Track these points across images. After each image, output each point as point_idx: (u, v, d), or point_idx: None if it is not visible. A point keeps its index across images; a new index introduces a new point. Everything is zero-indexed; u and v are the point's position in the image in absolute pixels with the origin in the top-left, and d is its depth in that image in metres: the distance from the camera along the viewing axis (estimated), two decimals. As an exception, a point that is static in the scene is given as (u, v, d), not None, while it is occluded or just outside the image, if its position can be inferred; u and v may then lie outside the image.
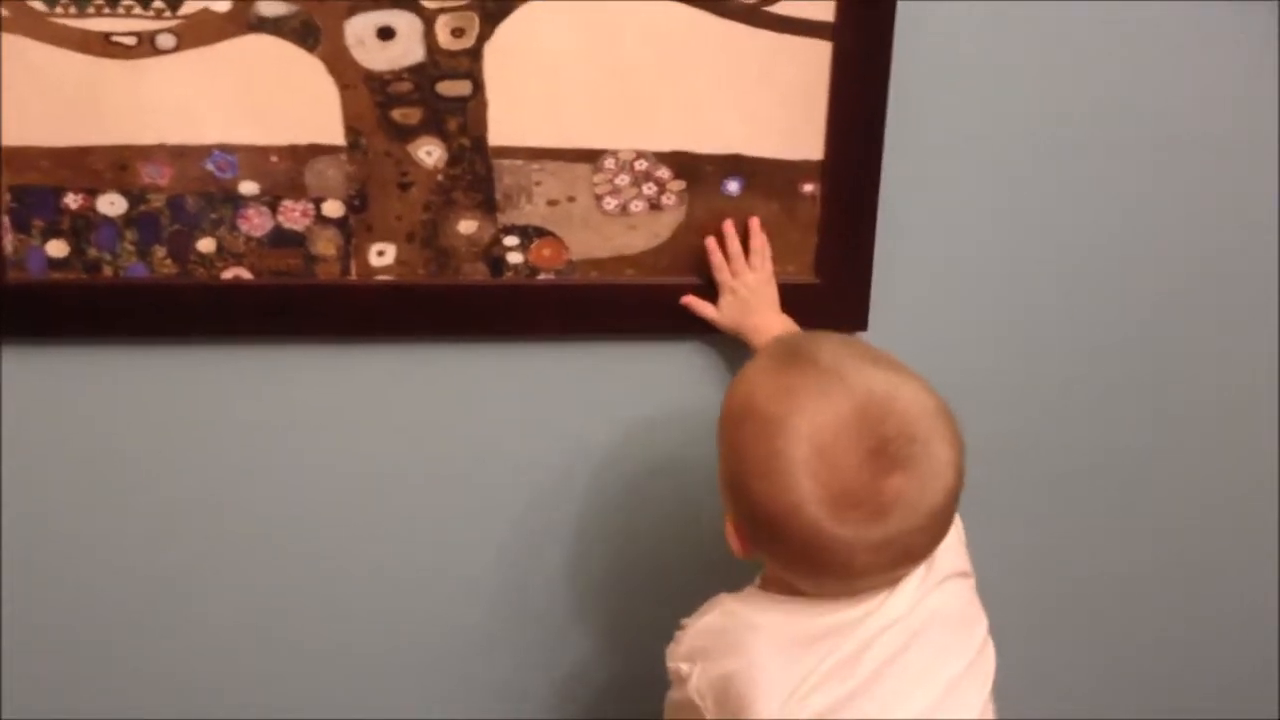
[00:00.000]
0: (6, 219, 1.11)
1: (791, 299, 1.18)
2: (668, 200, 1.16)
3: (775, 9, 1.12)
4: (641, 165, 1.15)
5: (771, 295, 1.16)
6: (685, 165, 1.15)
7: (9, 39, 1.05)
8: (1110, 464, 1.33)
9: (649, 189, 1.16)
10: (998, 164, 1.21)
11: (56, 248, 1.12)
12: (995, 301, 1.24)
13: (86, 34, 1.06)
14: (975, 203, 1.23)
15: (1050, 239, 1.25)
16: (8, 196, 1.10)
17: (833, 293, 1.20)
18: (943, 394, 0.90)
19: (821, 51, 1.13)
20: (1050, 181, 1.23)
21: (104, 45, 1.06)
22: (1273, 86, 1.22)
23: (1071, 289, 1.26)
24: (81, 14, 1.05)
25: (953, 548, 0.95)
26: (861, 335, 1.21)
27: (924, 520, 0.87)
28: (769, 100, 1.14)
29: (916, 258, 1.22)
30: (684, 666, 0.94)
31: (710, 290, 1.18)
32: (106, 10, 1.05)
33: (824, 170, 1.17)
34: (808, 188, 1.17)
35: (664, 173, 1.15)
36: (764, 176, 1.16)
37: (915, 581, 0.93)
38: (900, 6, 1.12)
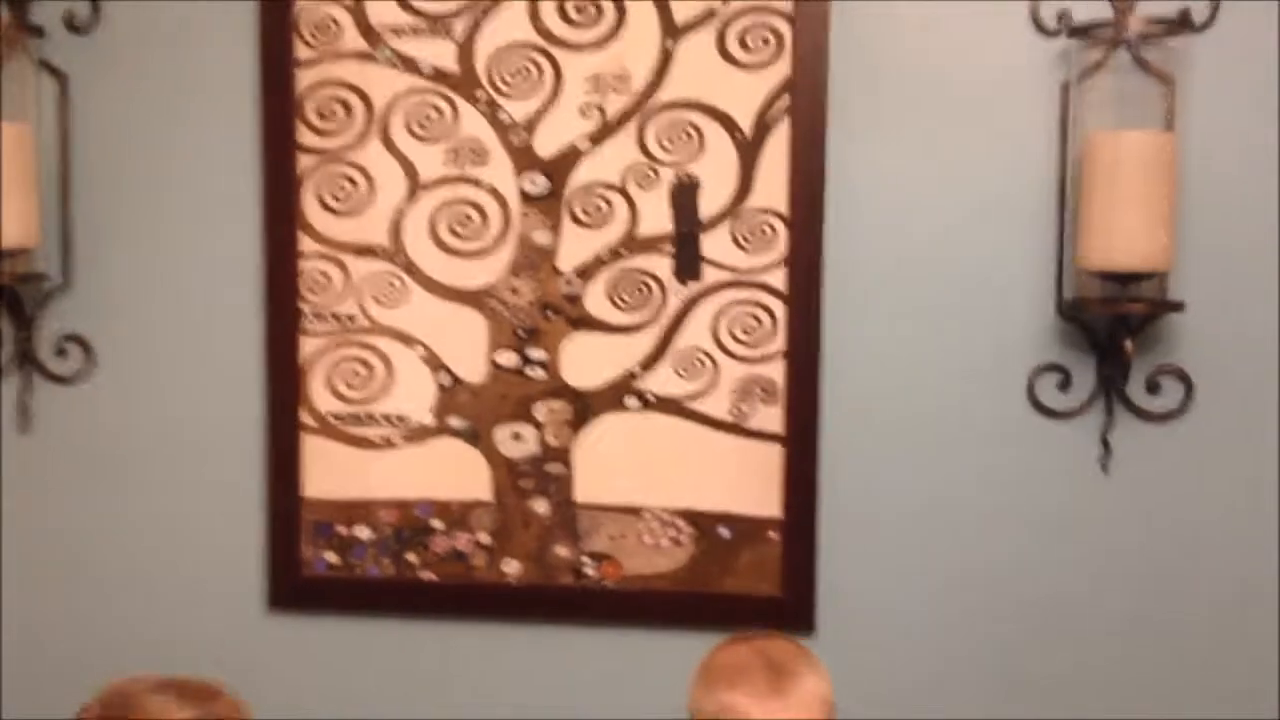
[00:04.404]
0: (307, 540, 1.94)
1: (763, 609, 1.85)
2: (683, 539, 1.88)
3: (747, 424, 1.85)
4: (666, 516, 1.88)
5: None
6: (694, 518, 1.87)
7: (316, 439, 1.92)
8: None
9: (671, 532, 1.88)
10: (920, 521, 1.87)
11: (331, 557, 1.94)
12: (926, 605, 1.87)
13: (356, 436, 1.91)
14: (905, 549, 1.87)
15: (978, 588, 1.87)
16: (310, 526, 1.94)
17: (792, 602, 1.86)
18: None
19: (776, 450, 1.85)
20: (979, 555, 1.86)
21: (364, 443, 1.91)
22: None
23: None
24: (354, 425, 1.91)
25: None
26: (811, 635, 1.86)
27: None
28: (744, 479, 1.86)
29: (857, 581, 1.87)
30: None
31: (717, 600, 1.86)
32: (366, 422, 1.91)
33: (783, 524, 1.86)
34: (772, 534, 1.86)
35: (680, 522, 1.88)
36: (744, 526, 1.86)
37: None
38: (828, 414, 1.83)
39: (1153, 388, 1.80)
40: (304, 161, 1.89)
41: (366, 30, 1.86)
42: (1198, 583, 1.82)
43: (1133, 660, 1.84)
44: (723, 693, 1.47)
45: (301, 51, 1.87)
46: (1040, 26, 1.77)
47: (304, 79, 1.87)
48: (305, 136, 1.88)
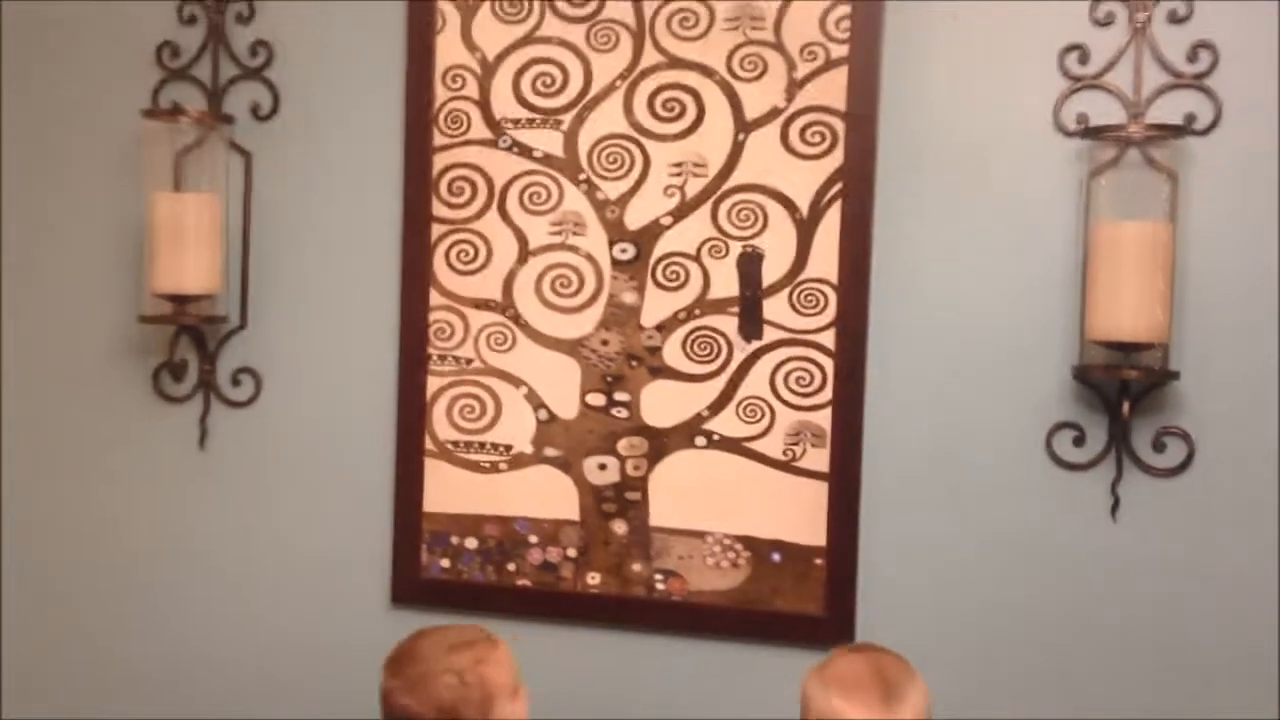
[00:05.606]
0: (425, 547, 2.30)
1: (807, 625, 2.13)
2: (740, 562, 2.17)
3: (798, 464, 2.14)
4: (726, 541, 2.17)
5: None
6: (750, 543, 2.17)
7: (436, 463, 2.27)
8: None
9: (730, 555, 2.17)
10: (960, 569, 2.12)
11: (445, 563, 2.29)
12: (962, 624, 2.11)
13: (468, 461, 2.27)
14: (934, 580, 2.12)
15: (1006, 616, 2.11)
16: (428, 536, 2.30)
17: (833, 622, 2.13)
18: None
19: (822, 488, 2.13)
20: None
21: (475, 467, 2.27)
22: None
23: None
24: (467, 451, 2.26)
25: None
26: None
27: None
28: (795, 512, 2.14)
29: (891, 605, 2.13)
30: None
31: (768, 616, 2.14)
32: (477, 450, 2.26)
33: (827, 552, 2.14)
34: (818, 561, 2.14)
35: (739, 546, 2.17)
36: (793, 552, 2.15)
37: None
38: (869, 458, 2.11)
39: (1158, 446, 2.03)
40: (436, 230, 2.27)
41: (490, 122, 2.24)
42: (1199, 622, 2.03)
43: (1139, 689, 2.06)
44: (836, 698, 1.73)
45: (438, 139, 2.26)
46: (1061, 128, 2.04)
47: (439, 162, 2.26)
48: (438, 209, 2.26)
